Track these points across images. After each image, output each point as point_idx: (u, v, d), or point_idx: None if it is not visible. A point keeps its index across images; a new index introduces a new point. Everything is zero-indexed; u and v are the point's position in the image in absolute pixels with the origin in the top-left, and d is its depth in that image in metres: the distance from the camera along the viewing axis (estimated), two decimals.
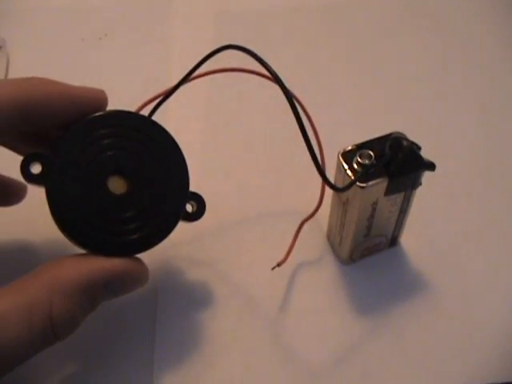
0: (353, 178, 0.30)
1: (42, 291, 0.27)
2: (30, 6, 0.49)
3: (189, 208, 0.32)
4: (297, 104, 0.32)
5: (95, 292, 0.28)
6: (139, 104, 0.33)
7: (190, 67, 0.33)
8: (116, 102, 0.32)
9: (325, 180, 0.31)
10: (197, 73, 0.32)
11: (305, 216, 0.36)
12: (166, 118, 0.32)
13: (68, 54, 0.47)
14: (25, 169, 0.29)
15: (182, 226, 0.32)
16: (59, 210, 0.29)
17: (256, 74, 0.33)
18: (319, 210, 0.36)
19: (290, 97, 0.29)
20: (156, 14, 0.49)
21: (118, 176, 0.30)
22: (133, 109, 0.33)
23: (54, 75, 0.44)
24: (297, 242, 0.35)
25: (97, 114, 0.30)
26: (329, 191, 0.33)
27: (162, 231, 0.30)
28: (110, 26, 0.48)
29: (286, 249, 0.34)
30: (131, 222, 0.29)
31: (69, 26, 0.48)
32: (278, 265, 0.34)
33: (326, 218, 0.36)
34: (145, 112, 0.32)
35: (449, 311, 0.35)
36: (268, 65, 0.30)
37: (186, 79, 0.32)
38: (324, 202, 0.35)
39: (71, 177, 0.29)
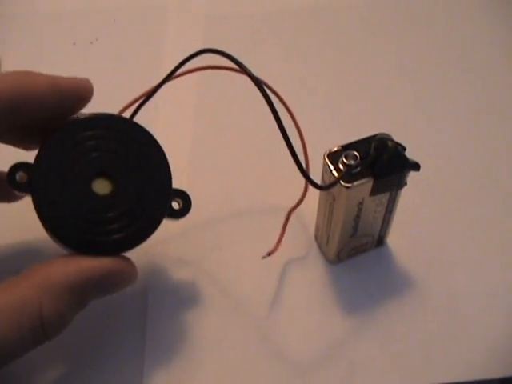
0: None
1: (32, 291, 0.27)
2: (22, 10, 0.49)
3: (175, 205, 0.33)
4: (281, 103, 0.33)
5: (84, 291, 0.29)
6: (130, 108, 0.34)
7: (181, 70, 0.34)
8: (107, 106, 0.33)
9: (306, 178, 0.31)
10: (177, 73, 0.33)
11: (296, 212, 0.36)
12: (154, 118, 0.33)
13: (60, 58, 0.47)
14: (11, 179, 0.29)
15: (169, 223, 0.32)
16: (46, 214, 0.29)
17: (233, 71, 0.33)
18: (307, 210, 0.36)
19: (267, 96, 0.30)
20: (147, 19, 0.49)
21: (102, 177, 0.30)
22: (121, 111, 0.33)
23: None
24: (284, 242, 0.35)
25: (77, 117, 0.31)
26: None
27: (147, 229, 0.31)
28: (101, 30, 0.48)
29: (274, 244, 0.35)
30: (116, 221, 0.30)
31: (60, 31, 0.48)
32: (269, 254, 0.34)
33: (313, 218, 0.37)
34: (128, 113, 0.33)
35: (435, 309, 0.36)
36: (244, 66, 0.31)
37: (164, 82, 0.33)
38: (309, 194, 0.35)
39: (55, 181, 0.29)
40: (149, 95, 0.33)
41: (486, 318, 0.36)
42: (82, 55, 0.47)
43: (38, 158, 0.30)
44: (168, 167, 0.32)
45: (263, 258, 0.34)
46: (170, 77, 0.33)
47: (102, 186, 0.30)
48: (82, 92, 0.31)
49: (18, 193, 0.30)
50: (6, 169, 0.34)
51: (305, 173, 0.31)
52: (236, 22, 0.49)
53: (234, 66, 0.32)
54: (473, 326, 0.35)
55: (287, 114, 0.34)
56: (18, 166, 0.29)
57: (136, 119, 0.33)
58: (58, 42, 0.48)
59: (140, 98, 0.34)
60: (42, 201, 0.29)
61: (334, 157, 0.31)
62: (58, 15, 0.49)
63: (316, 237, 0.38)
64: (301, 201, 0.36)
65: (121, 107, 0.33)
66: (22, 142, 0.33)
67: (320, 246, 0.38)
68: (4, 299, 0.27)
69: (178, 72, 0.33)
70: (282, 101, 0.34)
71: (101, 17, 0.49)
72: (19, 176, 0.29)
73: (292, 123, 0.35)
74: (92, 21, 0.49)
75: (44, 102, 0.30)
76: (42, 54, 0.47)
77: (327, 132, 0.41)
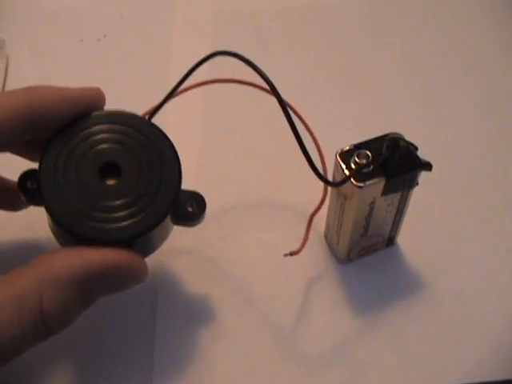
0: (351, 178, 0.31)
1: (32, 283, 0.27)
2: (30, 6, 0.49)
3: (189, 208, 0.32)
4: (289, 109, 0.33)
5: (88, 286, 0.28)
6: (138, 103, 0.34)
7: (189, 67, 0.34)
8: (115, 103, 0.33)
9: (318, 175, 0.31)
10: (186, 85, 0.33)
11: (311, 210, 0.35)
12: (164, 123, 0.33)
13: (67, 54, 0.47)
14: (23, 187, 0.30)
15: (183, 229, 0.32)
16: (51, 204, 0.29)
17: (247, 84, 0.33)
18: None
19: (283, 103, 0.30)
20: (155, 15, 0.49)
21: (110, 167, 0.30)
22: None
23: (53, 75, 0.45)
24: (293, 242, 0.35)
25: (83, 116, 0.31)
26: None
27: (154, 219, 0.30)
28: (109, 26, 0.48)
29: (285, 248, 0.34)
30: (122, 209, 0.29)
31: (68, 27, 0.48)
32: (291, 254, 0.34)
33: (323, 218, 0.37)
34: None
35: (445, 309, 0.36)
36: (260, 69, 0.31)
37: (174, 91, 0.33)
38: (319, 193, 0.35)
39: (62, 173, 0.30)
40: (160, 105, 0.33)
41: (496, 318, 0.36)
42: (89, 52, 0.47)
43: (42, 157, 0.30)
44: (178, 161, 0.31)
45: (285, 255, 0.34)
46: (179, 86, 0.33)
47: (109, 176, 0.30)
48: (95, 102, 0.31)
49: (27, 200, 0.30)
50: (10, 176, 0.34)
51: (315, 169, 0.31)
52: (244, 19, 0.49)
53: (246, 79, 0.32)
54: (482, 326, 0.35)
55: (296, 118, 0.34)
56: (27, 174, 0.30)
57: None
58: (66, 38, 0.48)
59: (152, 109, 0.33)
60: (48, 191, 0.29)
61: (345, 156, 0.31)
62: (65, 11, 0.49)
63: (326, 236, 0.38)
64: (321, 204, 0.35)
65: (127, 103, 0.33)
66: (32, 153, 0.33)
67: (330, 246, 0.37)
68: (4, 291, 0.27)
69: (188, 84, 0.33)
70: (290, 106, 0.33)
71: (108, 13, 0.49)
72: (30, 183, 0.30)
73: (302, 125, 0.35)
74: (99, 17, 0.49)
75: (58, 115, 0.30)
76: (49, 51, 0.47)
77: (337, 131, 0.40)
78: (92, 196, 0.29)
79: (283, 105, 0.30)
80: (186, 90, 0.34)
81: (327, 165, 0.34)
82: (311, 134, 0.35)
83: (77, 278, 0.27)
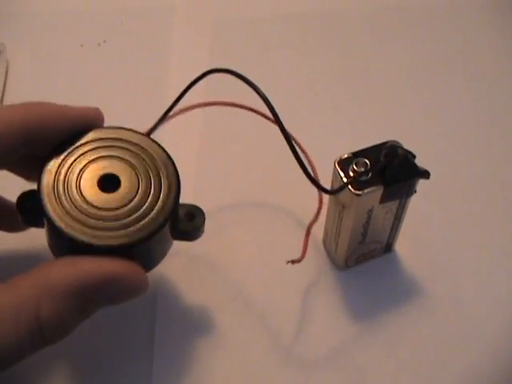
0: (349, 186, 0.31)
1: (31, 291, 0.27)
2: (30, 11, 0.49)
3: (188, 222, 0.32)
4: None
5: (86, 296, 0.27)
6: (137, 108, 0.34)
7: (188, 74, 0.34)
8: (114, 109, 0.33)
9: (314, 183, 0.32)
10: (182, 106, 0.34)
11: (308, 220, 0.36)
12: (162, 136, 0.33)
13: (67, 59, 0.47)
14: (22, 208, 0.30)
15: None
16: (54, 218, 0.29)
17: (244, 109, 0.33)
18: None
19: (281, 125, 0.31)
20: (155, 21, 0.49)
21: (110, 180, 0.30)
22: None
23: (52, 80, 0.45)
24: (292, 248, 0.35)
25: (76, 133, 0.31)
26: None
27: (153, 227, 0.29)
28: (109, 32, 0.48)
29: (284, 253, 0.34)
30: (121, 218, 0.29)
31: (68, 32, 0.48)
32: (293, 262, 0.34)
33: (321, 225, 0.37)
34: None
35: (442, 315, 0.36)
36: (255, 85, 0.31)
37: (170, 111, 0.34)
38: (317, 201, 0.36)
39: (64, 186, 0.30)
40: (156, 124, 0.34)
41: (493, 324, 0.36)
42: (89, 57, 0.47)
43: (43, 167, 0.30)
44: (176, 171, 0.31)
45: (287, 263, 0.34)
46: (177, 102, 0.34)
47: (107, 188, 0.30)
48: (93, 122, 0.31)
49: (24, 221, 0.30)
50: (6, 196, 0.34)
51: (312, 178, 0.31)
52: (243, 26, 0.49)
53: (245, 104, 0.32)
54: (479, 332, 0.35)
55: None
56: (26, 195, 0.30)
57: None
58: (66, 43, 0.48)
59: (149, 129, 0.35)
60: (48, 204, 0.29)
61: (344, 164, 0.31)
62: (66, 16, 0.49)
63: (324, 243, 0.38)
64: (318, 214, 0.36)
65: (128, 107, 0.33)
66: (29, 170, 0.33)
67: (328, 253, 0.38)
68: (4, 297, 0.26)
69: (183, 106, 0.35)
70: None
71: (108, 19, 0.49)
72: (30, 204, 0.30)
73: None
74: (99, 23, 0.49)
75: (56, 132, 0.30)
76: (49, 56, 0.47)
77: (335, 138, 0.41)
78: (91, 207, 0.29)
79: (281, 125, 0.31)
80: (182, 111, 0.34)
81: (326, 173, 0.34)
82: (299, 146, 0.35)
83: (73, 289, 0.27)
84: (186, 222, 0.31)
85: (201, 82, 0.35)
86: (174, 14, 0.50)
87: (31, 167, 0.32)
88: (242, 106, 0.34)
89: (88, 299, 0.28)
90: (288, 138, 0.31)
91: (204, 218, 0.31)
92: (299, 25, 0.49)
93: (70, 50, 0.47)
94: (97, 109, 0.32)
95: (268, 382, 0.34)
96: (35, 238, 0.34)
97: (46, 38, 0.48)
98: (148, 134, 0.33)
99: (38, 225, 0.30)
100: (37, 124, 0.30)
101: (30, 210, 0.30)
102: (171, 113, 0.37)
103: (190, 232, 0.31)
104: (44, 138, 0.30)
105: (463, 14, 0.50)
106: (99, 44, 0.48)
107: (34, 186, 0.30)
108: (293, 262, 0.34)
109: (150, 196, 0.30)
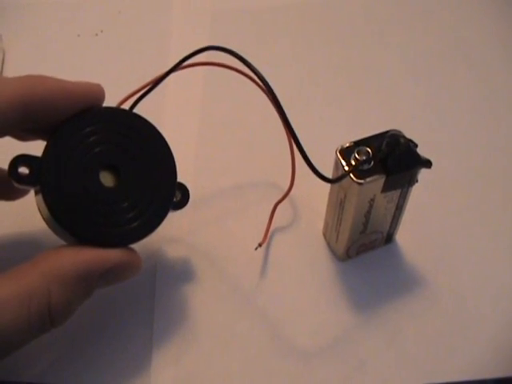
0: (351, 174, 0.30)
1: (41, 280, 0.28)
2: (27, 1, 0.49)
3: (175, 199, 0.33)
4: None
5: (91, 281, 0.29)
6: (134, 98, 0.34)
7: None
8: (112, 98, 0.33)
9: (314, 171, 0.31)
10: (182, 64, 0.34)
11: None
12: (160, 110, 0.33)
13: (64, 49, 0.47)
14: (13, 171, 0.29)
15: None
16: (57, 208, 0.29)
17: (235, 71, 0.33)
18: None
19: (274, 95, 0.31)
20: (153, 11, 0.49)
21: (109, 170, 0.30)
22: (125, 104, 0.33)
23: (50, 70, 0.44)
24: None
25: (80, 113, 0.30)
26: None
27: (154, 220, 0.31)
28: (106, 22, 0.48)
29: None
30: (123, 212, 0.30)
31: (65, 22, 0.48)
32: (260, 245, 0.36)
33: (322, 215, 0.37)
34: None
35: (443, 307, 0.36)
36: (253, 66, 0.32)
37: (164, 78, 0.34)
38: (319, 190, 0.35)
39: (64, 175, 0.29)
40: (151, 87, 0.34)
41: (494, 315, 0.36)
42: (86, 47, 0.47)
43: (45, 153, 0.29)
44: (173, 159, 0.32)
45: (256, 249, 0.35)
46: (173, 70, 0.33)
47: (108, 179, 0.30)
48: (95, 97, 0.31)
49: (18, 186, 0.30)
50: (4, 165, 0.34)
51: (312, 166, 0.31)
52: (242, 15, 0.49)
53: (240, 67, 0.32)
54: (481, 323, 0.35)
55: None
56: (19, 159, 0.29)
57: (142, 111, 0.32)
58: (63, 33, 0.47)
59: (142, 88, 0.34)
60: (51, 193, 0.29)
61: (345, 153, 0.31)
62: (63, 6, 0.49)
63: (325, 234, 0.38)
64: (286, 195, 0.37)
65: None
66: (26, 139, 0.33)
67: (329, 243, 0.37)
68: (13, 286, 0.27)
69: (183, 64, 0.34)
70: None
71: (105, 8, 0.49)
72: (22, 169, 0.29)
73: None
74: (97, 12, 0.49)
75: (55, 107, 0.30)
76: (46, 46, 0.47)
77: (337, 127, 0.40)
78: (93, 198, 0.30)
79: (278, 104, 0.31)
80: (184, 67, 0.34)
81: (326, 163, 0.34)
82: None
83: (82, 276, 0.29)
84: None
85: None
86: (172, 4, 0.49)
87: (32, 136, 0.32)
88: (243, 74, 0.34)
89: (93, 283, 0.29)
90: (290, 126, 0.31)
91: (189, 195, 0.33)
92: (299, 14, 0.49)
93: (66, 40, 0.47)
94: (98, 85, 0.31)
95: (268, 373, 0.34)
96: (26, 223, 0.34)
97: (43, 27, 0.48)
98: (136, 100, 0.33)
99: (35, 185, 0.30)
100: (38, 97, 0.29)
101: (22, 178, 0.29)
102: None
103: (175, 207, 0.33)
104: (45, 112, 0.30)
105: (464, 3, 0.49)
106: (96, 34, 0.47)
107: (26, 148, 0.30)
108: (260, 245, 0.35)
109: (149, 189, 0.31)
